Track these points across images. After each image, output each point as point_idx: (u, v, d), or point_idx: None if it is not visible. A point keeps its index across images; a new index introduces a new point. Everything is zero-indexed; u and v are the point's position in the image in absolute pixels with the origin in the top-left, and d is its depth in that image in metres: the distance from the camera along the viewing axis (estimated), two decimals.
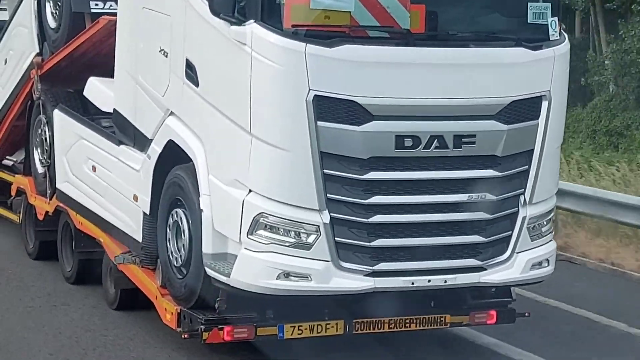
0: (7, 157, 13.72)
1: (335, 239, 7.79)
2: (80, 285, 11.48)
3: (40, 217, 12.11)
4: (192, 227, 8.53)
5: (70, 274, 11.55)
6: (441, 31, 8.14)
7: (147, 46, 9.20)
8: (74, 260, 11.46)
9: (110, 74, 10.77)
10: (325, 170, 7.65)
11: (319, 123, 7.55)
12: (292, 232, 7.78)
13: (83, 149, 10.84)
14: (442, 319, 8.87)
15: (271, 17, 7.55)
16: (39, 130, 12.05)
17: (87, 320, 10.49)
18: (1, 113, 13.21)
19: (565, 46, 8.36)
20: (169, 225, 8.93)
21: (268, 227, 7.78)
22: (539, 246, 8.56)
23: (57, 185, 11.44)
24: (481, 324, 9.20)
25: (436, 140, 7.85)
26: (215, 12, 7.73)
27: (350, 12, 7.59)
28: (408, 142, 7.79)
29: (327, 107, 7.57)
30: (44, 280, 11.93)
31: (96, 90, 10.83)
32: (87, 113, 11.26)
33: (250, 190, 7.82)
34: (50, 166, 11.72)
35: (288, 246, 7.79)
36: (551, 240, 8.76)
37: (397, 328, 8.66)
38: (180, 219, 8.72)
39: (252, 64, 7.58)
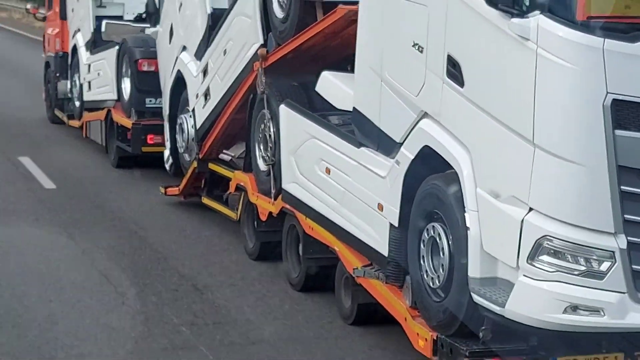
0: (225, 151, 12.52)
1: (632, 267, 6.39)
2: (307, 292, 10.18)
3: (263, 218, 10.96)
4: (453, 246, 7.20)
5: (297, 281, 10.36)
6: None
7: (396, 40, 7.89)
8: (302, 266, 10.24)
9: (338, 67, 9.84)
10: (622, 187, 6.27)
11: (617, 132, 6.18)
12: (582, 259, 6.40)
13: (314, 148, 9.57)
14: None
15: (562, 8, 6.22)
16: (262, 126, 10.89)
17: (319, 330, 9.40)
18: (220, 105, 12.13)
19: None
20: (423, 241, 7.60)
21: (553, 252, 6.42)
22: None
23: (283, 186, 10.24)
24: None
25: None
26: (492, 2, 6.38)
27: None
28: None
29: (627, 114, 6.20)
30: (270, 284, 10.74)
31: (330, 85, 9.60)
32: (314, 109, 10.00)
33: (530, 209, 6.48)
34: (274, 164, 10.53)
35: (577, 275, 6.42)
36: None
37: None
38: (438, 235, 7.37)
39: (537, 62, 6.27)
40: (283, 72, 10.53)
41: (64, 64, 20.98)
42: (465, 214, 6.94)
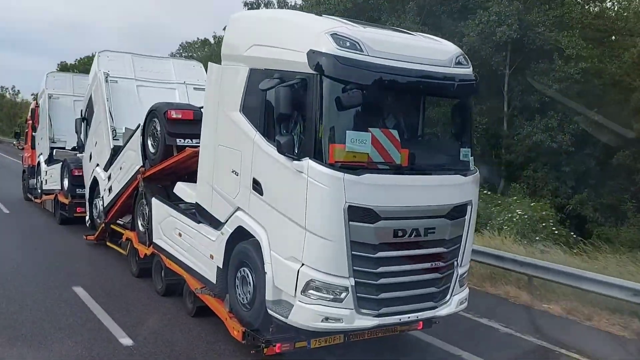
0: (120, 219, 10.28)
1: (357, 294, 5.11)
2: (166, 296, 8.16)
3: (141, 256, 8.86)
4: (256, 281, 5.65)
5: (161, 290, 8.34)
6: (417, 165, 5.46)
7: (221, 167, 6.23)
8: (164, 283, 8.22)
9: (181, 179, 7.97)
10: (352, 252, 4.98)
11: (350, 222, 4.91)
12: (331, 292, 5.05)
13: (171, 222, 7.70)
14: (395, 328, 6.02)
15: (319, 156, 4.93)
16: (141, 208, 8.91)
17: (173, 320, 7.36)
18: (117, 195, 9.91)
19: (478, 173, 5.83)
20: (237, 277, 5.99)
21: (315, 288, 5.06)
22: (462, 291, 5.93)
23: (154, 240, 8.26)
24: (413, 329, 6.34)
25: (415, 231, 5.26)
26: (281, 152, 5.07)
27: (367, 153, 4.97)
28: (400, 233, 5.19)
29: (355, 212, 4.93)
30: (140, 291, 8.62)
31: (182, 189, 7.65)
32: (170, 200, 8.07)
33: (302, 264, 5.04)
34: (148, 229, 8.48)
35: (328, 300, 5.07)
36: (467, 286, 6.09)
37: (371, 336, 5.78)
38: (247, 274, 5.81)
39: (308, 185, 4.93)
40: (153, 180, 8.60)
41: (33, 171, 17.79)
42: (265, 265, 5.39)
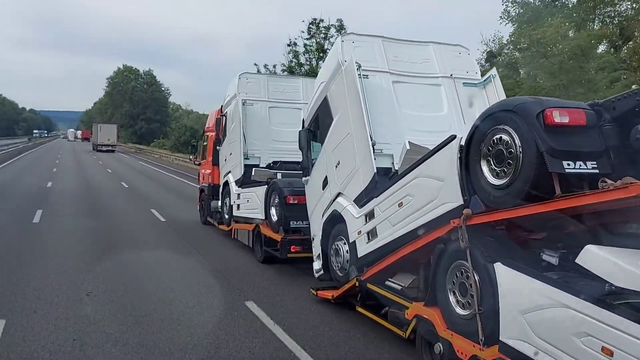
0: (391, 279, 7.27)
1: None
2: None
3: (463, 357, 5.65)
4: None
5: None
6: None
7: None
8: None
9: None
10: None
11: None
12: None
13: (569, 319, 4.37)
14: None
15: None
16: (457, 274, 5.81)
17: None
18: (391, 245, 6.91)
19: None
20: None
21: None
22: None
23: (502, 339, 5.05)
24: None
25: None
26: None
27: None
28: None
29: None
30: None
31: (597, 259, 4.28)
32: (528, 269, 4.87)
33: None
34: (481, 314, 5.29)
35: None
36: None
37: None
38: None
39: None
40: (486, 232, 5.43)
41: (215, 191, 16.05)
42: None
